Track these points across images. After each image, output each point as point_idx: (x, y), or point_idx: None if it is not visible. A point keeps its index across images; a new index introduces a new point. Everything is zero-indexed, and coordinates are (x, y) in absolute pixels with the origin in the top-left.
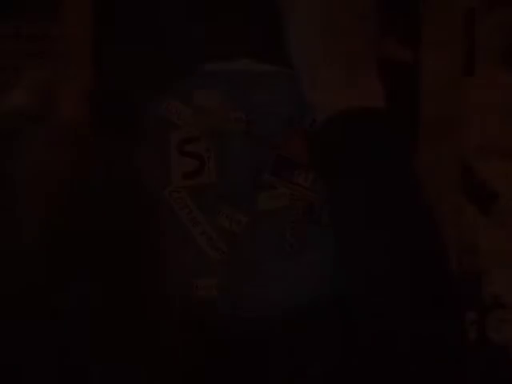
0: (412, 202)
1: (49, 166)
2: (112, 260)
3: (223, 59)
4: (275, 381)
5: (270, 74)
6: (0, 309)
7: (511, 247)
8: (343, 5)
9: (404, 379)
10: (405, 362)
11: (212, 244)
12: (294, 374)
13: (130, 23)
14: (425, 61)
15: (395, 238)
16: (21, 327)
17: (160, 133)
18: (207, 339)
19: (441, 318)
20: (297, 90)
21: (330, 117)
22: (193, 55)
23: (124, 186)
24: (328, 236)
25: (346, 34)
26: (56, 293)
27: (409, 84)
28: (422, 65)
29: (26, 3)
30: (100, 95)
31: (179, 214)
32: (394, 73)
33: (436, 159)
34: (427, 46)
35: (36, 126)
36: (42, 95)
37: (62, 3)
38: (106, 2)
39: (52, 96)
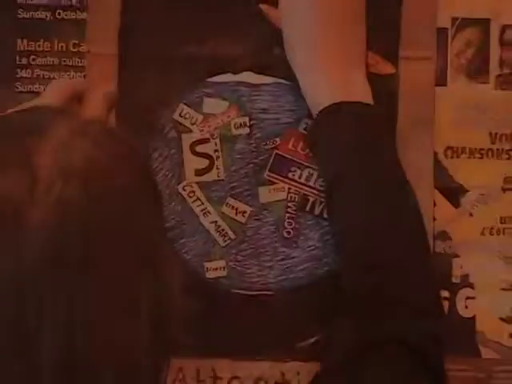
0: (403, 190)
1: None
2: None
3: (229, 72)
4: (276, 337)
5: (269, 84)
6: None
7: (477, 235)
8: (340, 8)
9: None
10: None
11: (220, 231)
12: (294, 334)
13: (152, 42)
14: (403, 73)
15: (391, 219)
16: None
17: (175, 135)
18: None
19: (423, 289)
20: (292, 99)
21: (328, 109)
22: (203, 69)
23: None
24: (320, 224)
25: (342, 36)
26: None
27: (388, 92)
28: (400, 76)
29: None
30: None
31: (192, 206)
32: (373, 83)
33: (412, 159)
34: (405, 61)
35: (63, 119)
36: (69, 97)
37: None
38: (131, 20)
39: (78, 98)
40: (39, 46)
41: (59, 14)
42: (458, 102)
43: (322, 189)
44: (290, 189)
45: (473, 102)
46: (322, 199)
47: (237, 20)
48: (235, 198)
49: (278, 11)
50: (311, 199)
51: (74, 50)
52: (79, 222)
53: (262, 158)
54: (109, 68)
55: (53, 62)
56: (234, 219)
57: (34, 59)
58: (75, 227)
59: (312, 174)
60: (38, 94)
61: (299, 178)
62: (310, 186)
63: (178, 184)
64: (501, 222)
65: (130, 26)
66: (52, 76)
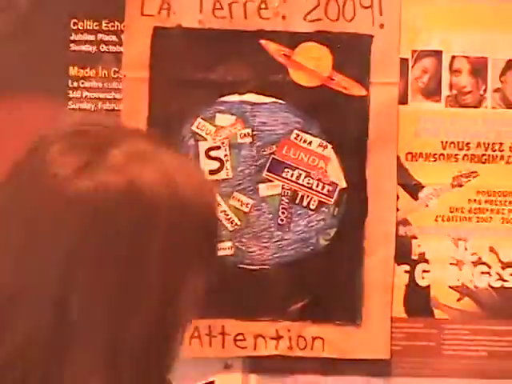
0: None
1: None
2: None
3: (235, 93)
4: (272, 302)
5: (267, 103)
6: None
7: (432, 221)
8: None
9: None
10: None
11: (228, 218)
12: (286, 299)
13: (175, 68)
14: (372, 94)
15: None
16: None
17: (193, 143)
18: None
19: None
20: (285, 114)
21: None
22: (215, 91)
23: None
24: (307, 213)
25: None
26: None
27: (361, 110)
28: (370, 97)
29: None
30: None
31: None
32: (347, 104)
33: (380, 162)
34: (374, 85)
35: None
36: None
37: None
38: (159, 51)
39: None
40: (87, 72)
41: (102, 47)
42: (416, 117)
43: (308, 186)
44: (283, 185)
45: (428, 116)
46: (309, 194)
47: (242, 52)
48: (240, 193)
49: (275, 46)
50: (300, 194)
51: (114, 76)
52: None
53: (261, 161)
54: (141, 89)
55: (97, 85)
56: (239, 209)
57: (82, 83)
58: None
59: (301, 174)
60: (85, 110)
61: (291, 177)
62: (299, 184)
63: None
64: (450, 212)
65: (157, 56)
66: (97, 96)
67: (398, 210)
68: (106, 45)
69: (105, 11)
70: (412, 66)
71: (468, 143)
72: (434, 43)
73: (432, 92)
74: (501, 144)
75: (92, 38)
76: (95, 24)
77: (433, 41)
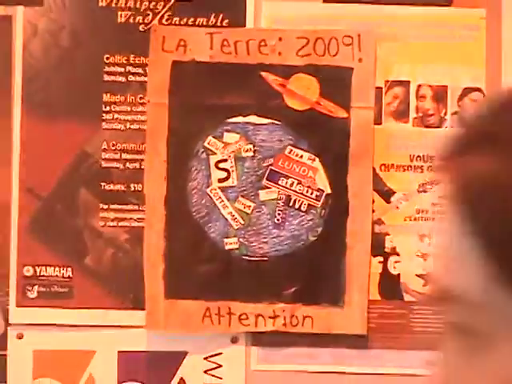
0: None
1: None
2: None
3: (240, 116)
4: (272, 288)
5: (266, 124)
6: None
7: (402, 221)
8: None
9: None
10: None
11: (234, 219)
12: (281, 285)
13: (190, 95)
14: (352, 116)
15: None
16: None
17: (205, 157)
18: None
19: None
20: (281, 133)
21: None
22: (223, 114)
23: None
24: (299, 214)
25: None
26: None
27: (343, 130)
28: (351, 119)
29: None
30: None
31: (215, 202)
32: (332, 124)
33: (359, 172)
34: (354, 109)
35: None
36: None
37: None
38: (176, 81)
39: None
40: (117, 98)
41: (130, 77)
42: (388, 135)
43: (300, 192)
44: (279, 191)
45: (398, 134)
46: (300, 198)
47: (245, 82)
48: (244, 197)
49: (273, 76)
50: (293, 198)
51: (140, 101)
52: None
53: (261, 171)
54: (162, 113)
55: (126, 109)
56: (243, 211)
57: (114, 107)
58: None
59: (293, 182)
60: (117, 130)
61: (285, 184)
62: (292, 190)
63: (207, 188)
64: (417, 213)
65: (175, 84)
66: (126, 118)
67: (373, 211)
68: (134, 75)
69: (132, 48)
70: (385, 94)
71: (431, 156)
72: (403, 74)
73: (401, 114)
74: None
75: (121, 70)
76: (124, 58)
77: (402, 73)
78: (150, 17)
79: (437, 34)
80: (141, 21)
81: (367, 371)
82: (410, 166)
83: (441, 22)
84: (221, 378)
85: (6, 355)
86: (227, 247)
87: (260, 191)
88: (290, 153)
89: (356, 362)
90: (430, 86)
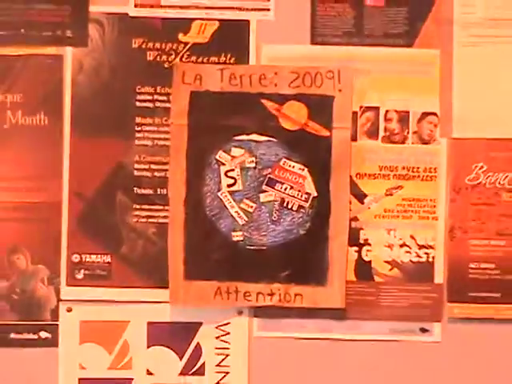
0: None
1: None
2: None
3: (244, 134)
4: (270, 271)
5: (265, 141)
6: None
7: (372, 218)
8: None
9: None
10: None
11: (239, 216)
12: (277, 269)
13: (205, 117)
14: (333, 135)
15: None
16: None
17: (217, 167)
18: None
19: None
20: (277, 148)
21: None
22: (231, 132)
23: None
24: (291, 213)
25: None
26: None
27: (325, 147)
28: (332, 137)
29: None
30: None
31: (225, 203)
32: (317, 141)
33: (339, 179)
34: (335, 129)
35: None
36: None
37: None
38: (194, 106)
39: None
40: (147, 120)
41: (157, 104)
42: (362, 150)
43: (292, 195)
44: (275, 195)
45: (370, 149)
46: (292, 200)
47: (249, 107)
48: (247, 199)
49: (270, 103)
50: (286, 200)
51: (165, 123)
52: None
53: (261, 179)
54: (182, 132)
55: (154, 129)
56: (247, 210)
57: (144, 128)
58: None
59: (287, 187)
60: (146, 146)
61: (281, 189)
62: (286, 193)
63: (218, 191)
64: (384, 212)
65: (193, 109)
66: (154, 137)
67: (350, 210)
68: (160, 102)
69: (159, 80)
70: (359, 117)
71: (396, 167)
72: (374, 102)
73: (372, 134)
74: (418, 167)
75: (150, 98)
76: (152, 89)
77: (373, 100)
78: (173, 56)
79: (400, 70)
80: (165, 59)
81: (345, 338)
82: (379, 175)
83: (404, 60)
84: (229, 343)
85: (57, 325)
86: (234, 239)
87: (260, 194)
88: (284, 164)
89: (336, 330)
90: (395, 111)
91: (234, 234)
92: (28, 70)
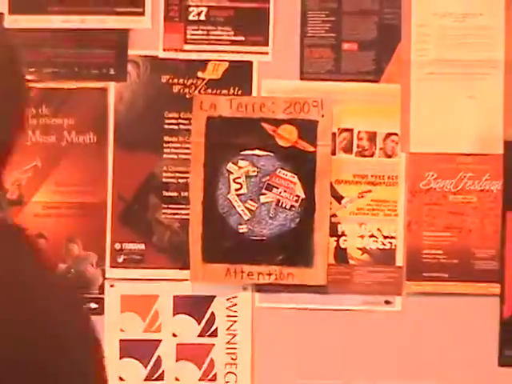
0: None
1: None
2: None
3: (247, 150)
4: (268, 256)
5: (264, 155)
6: None
7: (347, 215)
8: None
9: None
10: None
11: (245, 213)
12: (274, 254)
13: (218, 144)
14: (318, 151)
15: None
16: None
17: (227, 175)
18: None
19: None
20: (273, 160)
21: None
22: (238, 148)
23: None
24: (285, 211)
25: None
26: None
27: (311, 159)
28: (317, 152)
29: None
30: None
31: (233, 203)
32: (305, 155)
33: (322, 185)
34: (319, 146)
35: None
36: None
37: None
38: (211, 127)
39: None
40: (173, 139)
41: (180, 126)
42: (340, 162)
43: (285, 197)
44: (272, 197)
45: (346, 162)
46: (286, 201)
47: (252, 129)
48: (251, 200)
49: (268, 126)
50: (281, 201)
51: (187, 141)
52: None
53: (261, 184)
54: (200, 148)
55: (178, 145)
56: (250, 209)
57: (171, 144)
58: None
59: (281, 191)
60: (173, 159)
61: (277, 192)
62: (281, 196)
63: (228, 194)
64: (357, 210)
65: (209, 130)
66: (179, 152)
67: (330, 209)
68: (183, 125)
69: (182, 107)
70: (338, 136)
71: (366, 175)
72: (349, 125)
73: (348, 149)
74: (383, 175)
75: (176, 121)
76: (177, 114)
77: (348, 123)
78: (193, 89)
79: (370, 100)
80: (187, 91)
81: (327, 308)
82: (353, 181)
83: (372, 92)
84: (236, 312)
85: (103, 298)
86: (240, 231)
87: (261, 196)
88: (279, 173)
89: (320, 302)
90: (365, 131)
91: (240, 227)
92: (80, 100)
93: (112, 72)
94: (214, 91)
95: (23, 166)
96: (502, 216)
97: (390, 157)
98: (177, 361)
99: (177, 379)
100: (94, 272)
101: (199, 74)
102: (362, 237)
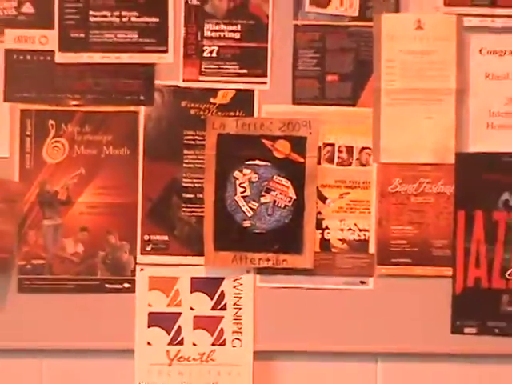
0: None
1: None
2: None
3: (251, 160)
4: (267, 246)
5: (264, 165)
6: None
7: (331, 213)
8: None
9: None
10: None
11: (248, 211)
12: (271, 244)
13: (228, 150)
14: (307, 162)
15: None
16: None
17: (233, 181)
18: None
19: None
20: (271, 170)
21: None
22: (243, 159)
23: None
24: (280, 209)
25: None
26: None
27: (300, 169)
28: (306, 163)
29: None
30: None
31: (239, 203)
32: (297, 165)
33: (310, 188)
34: (308, 158)
35: None
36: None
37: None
38: (222, 141)
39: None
40: (190, 152)
41: (197, 141)
42: (324, 170)
43: (280, 198)
44: (270, 198)
45: (329, 170)
46: (281, 201)
47: (254, 144)
48: (252, 201)
49: (267, 141)
50: (277, 201)
51: (202, 153)
52: None
53: (261, 188)
54: (212, 159)
55: (196, 158)
56: (252, 208)
57: (189, 156)
58: None
59: (277, 193)
60: (190, 168)
61: (274, 194)
62: (277, 197)
63: (235, 196)
64: (338, 209)
65: (219, 144)
66: (195, 162)
67: (317, 208)
68: (199, 141)
69: (198, 127)
70: (322, 150)
71: (345, 180)
72: (332, 140)
73: (330, 160)
74: (359, 181)
75: (193, 137)
76: (194, 132)
77: (331, 139)
78: (207, 112)
79: (348, 121)
80: (202, 114)
81: (314, 287)
82: (335, 185)
83: (350, 115)
84: (241, 290)
85: (135, 279)
86: (244, 225)
87: (261, 198)
88: (275, 179)
89: (308, 282)
90: (344, 146)
91: (244, 222)
92: (116, 121)
93: (142, 98)
94: (223, 113)
95: (70, 173)
96: (454, 213)
97: (364, 166)
98: (193, 329)
99: (194, 344)
100: (127, 258)
101: (211, 100)
102: (341, 230)
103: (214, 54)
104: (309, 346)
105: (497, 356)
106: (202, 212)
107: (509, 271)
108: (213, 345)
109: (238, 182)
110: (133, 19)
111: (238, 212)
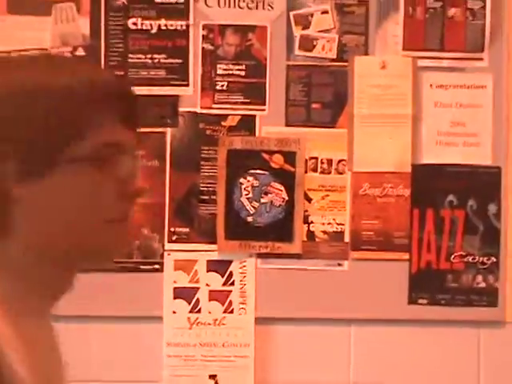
0: None
1: None
2: None
3: (253, 169)
4: (265, 236)
5: (264, 173)
6: None
7: (316, 210)
8: None
9: None
10: None
11: (251, 209)
12: (269, 235)
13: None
14: (297, 171)
15: None
16: None
17: (239, 185)
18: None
19: None
20: (269, 177)
21: None
22: (247, 167)
23: None
24: (275, 207)
25: None
26: None
27: (292, 175)
28: (296, 172)
29: None
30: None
31: (244, 203)
32: (288, 173)
33: (299, 191)
34: (297, 167)
35: None
36: None
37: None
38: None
39: None
40: (206, 163)
41: (211, 155)
42: (310, 178)
43: (276, 199)
44: (268, 199)
45: (314, 177)
46: (277, 201)
47: (256, 157)
48: (255, 201)
49: (266, 155)
50: (274, 201)
51: (215, 164)
52: None
53: (262, 191)
54: (223, 170)
55: (209, 168)
56: (254, 206)
57: (205, 167)
58: None
59: (274, 195)
60: (207, 176)
61: (271, 196)
62: (273, 198)
63: (241, 197)
64: (320, 207)
65: (229, 159)
66: (210, 171)
67: (304, 206)
68: (212, 155)
69: (212, 144)
70: (308, 161)
71: (326, 185)
72: (315, 154)
73: (315, 170)
74: (336, 185)
75: (207, 152)
76: (208, 148)
77: (315, 153)
78: (219, 133)
79: (328, 139)
80: (215, 134)
81: (301, 267)
82: (318, 189)
83: (330, 135)
84: (246, 271)
85: (163, 262)
86: (248, 220)
87: (261, 199)
88: (272, 185)
89: (297, 264)
90: (326, 158)
91: (248, 218)
92: (149, 139)
93: (168, 121)
94: (232, 134)
95: None
96: (410, 211)
97: (341, 174)
98: (209, 301)
99: (209, 312)
100: (157, 246)
101: (222, 123)
102: (323, 224)
103: (225, 88)
104: (298, 314)
105: (443, 321)
106: (215, 210)
107: (453, 255)
108: (224, 313)
109: (243, 187)
110: (162, 60)
111: (243, 210)
